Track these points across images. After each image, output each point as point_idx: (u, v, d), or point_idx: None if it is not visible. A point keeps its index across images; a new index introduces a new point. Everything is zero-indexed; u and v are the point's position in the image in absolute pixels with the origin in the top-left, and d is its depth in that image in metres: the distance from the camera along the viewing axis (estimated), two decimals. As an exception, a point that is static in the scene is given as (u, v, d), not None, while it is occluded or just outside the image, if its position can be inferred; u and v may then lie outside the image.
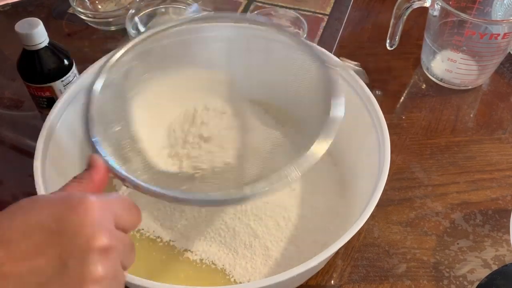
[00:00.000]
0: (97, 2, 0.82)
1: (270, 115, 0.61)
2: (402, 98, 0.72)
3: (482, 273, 0.53)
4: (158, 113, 0.49)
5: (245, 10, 0.82)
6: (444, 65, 0.71)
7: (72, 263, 0.29)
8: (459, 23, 0.66)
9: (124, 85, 0.47)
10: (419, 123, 0.69)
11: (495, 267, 0.54)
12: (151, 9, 0.78)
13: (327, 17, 0.83)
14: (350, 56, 0.70)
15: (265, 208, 0.53)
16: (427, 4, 0.67)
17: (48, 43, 0.58)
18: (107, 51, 0.46)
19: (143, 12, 0.77)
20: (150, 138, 0.47)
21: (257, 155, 0.49)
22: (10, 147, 0.67)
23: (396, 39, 0.72)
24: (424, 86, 0.73)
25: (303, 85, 0.51)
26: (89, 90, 0.43)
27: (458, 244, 0.56)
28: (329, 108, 0.42)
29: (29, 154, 0.49)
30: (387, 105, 0.69)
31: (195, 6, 0.53)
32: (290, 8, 0.82)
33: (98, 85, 0.43)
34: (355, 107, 0.54)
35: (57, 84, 0.60)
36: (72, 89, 0.53)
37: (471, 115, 0.70)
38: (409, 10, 0.67)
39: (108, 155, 0.39)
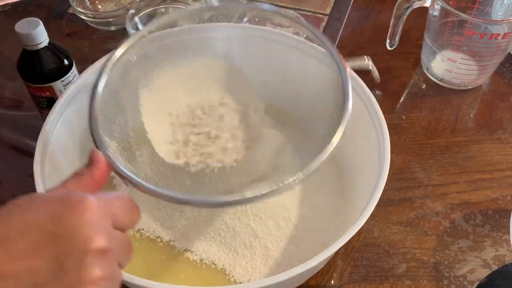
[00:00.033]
0: (97, 2, 0.82)
1: (270, 115, 0.61)
2: (402, 98, 0.72)
3: (482, 273, 0.53)
4: (163, 106, 0.49)
5: (245, 10, 0.81)
6: (444, 65, 0.71)
7: (69, 265, 0.29)
8: (459, 23, 0.66)
9: (128, 79, 0.46)
10: (419, 123, 0.69)
11: (495, 267, 0.54)
12: (151, 9, 0.78)
13: (327, 17, 0.83)
14: (350, 56, 0.70)
15: (265, 208, 0.53)
16: (427, 4, 0.67)
17: (48, 43, 0.58)
18: (107, 51, 0.46)
19: (143, 12, 0.77)
20: (156, 131, 0.47)
21: (261, 155, 0.49)
22: (10, 147, 0.67)
23: (396, 39, 0.72)
24: (424, 86, 0.73)
25: (305, 85, 0.51)
26: (93, 87, 0.43)
27: (458, 244, 0.56)
28: (342, 110, 0.42)
29: (29, 154, 0.49)
30: (387, 105, 0.69)
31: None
32: (290, 8, 0.82)
33: (101, 82, 0.43)
34: (355, 107, 0.54)
35: (57, 84, 0.60)
36: (72, 89, 0.53)
37: (471, 115, 0.70)
38: (409, 10, 0.67)
39: (110, 150, 0.39)
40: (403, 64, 0.76)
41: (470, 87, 0.73)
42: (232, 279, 0.50)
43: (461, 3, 0.68)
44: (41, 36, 0.57)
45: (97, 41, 0.79)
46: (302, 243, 0.52)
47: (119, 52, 0.45)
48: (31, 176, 0.45)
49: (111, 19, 0.78)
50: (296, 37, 0.58)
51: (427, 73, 0.74)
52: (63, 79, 0.60)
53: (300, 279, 0.51)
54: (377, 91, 0.72)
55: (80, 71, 0.56)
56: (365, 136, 0.53)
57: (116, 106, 0.44)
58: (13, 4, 0.84)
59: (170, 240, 0.53)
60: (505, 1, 0.69)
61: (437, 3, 0.65)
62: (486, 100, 0.72)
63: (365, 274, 0.54)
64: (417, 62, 0.76)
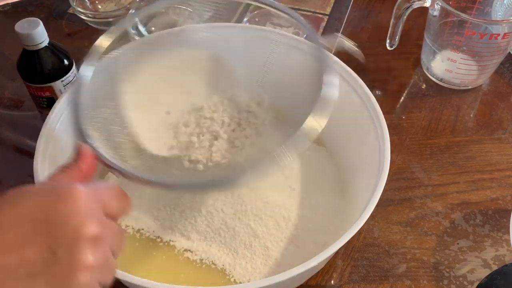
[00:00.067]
0: (97, 2, 0.82)
1: (270, 115, 0.61)
2: (402, 98, 0.72)
3: (482, 273, 0.53)
4: (150, 97, 0.49)
5: (245, 10, 0.82)
6: (444, 65, 0.71)
7: (61, 252, 0.29)
8: (459, 23, 0.66)
9: (115, 70, 0.46)
10: (419, 123, 0.69)
11: (495, 267, 0.54)
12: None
13: (327, 17, 0.83)
14: (350, 56, 0.70)
15: (265, 208, 0.53)
16: (427, 4, 0.67)
17: (48, 43, 0.58)
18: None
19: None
20: (142, 123, 0.47)
21: (251, 146, 0.49)
22: (10, 147, 0.67)
23: (396, 39, 0.72)
24: (424, 86, 0.74)
25: (302, 84, 0.51)
26: (78, 77, 0.43)
27: (458, 244, 0.56)
28: (320, 88, 0.40)
29: (29, 154, 0.49)
30: (387, 105, 0.69)
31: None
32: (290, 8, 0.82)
33: (87, 72, 0.43)
34: (355, 107, 0.54)
35: (57, 84, 0.60)
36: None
37: (471, 115, 0.70)
38: (409, 10, 0.67)
39: (96, 142, 0.39)
40: (403, 64, 0.76)
41: (470, 87, 0.73)
42: (232, 279, 0.50)
43: (461, 3, 0.68)
44: (41, 36, 0.57)
45: (97, 41, 0.79)
46: (302, 243, 0.52)
47: (104, 43, 0.45)
48: (31, 176, 0.46)
49: (111, 19, 0.78)
50: (296, 37, 0.58)
51: (427, 73, 0.74)
52: (63, 79, 0.60)
53: (300, 279, 0.51)
54: (377, 91, 0.72)
55: (80, 71, 0.56)
56: (365, 136, 0.53)
57: (103, 99, 0.44)
58: (13, 4, 0.84)
59: (170, 240, 0.53)
60: (505, 1, 0.69)
61: (437, 3, 0.65)
62: (486, 100, 0.72)
63: (365, 274, 0.54)
64: (417, 62, 0.76)
